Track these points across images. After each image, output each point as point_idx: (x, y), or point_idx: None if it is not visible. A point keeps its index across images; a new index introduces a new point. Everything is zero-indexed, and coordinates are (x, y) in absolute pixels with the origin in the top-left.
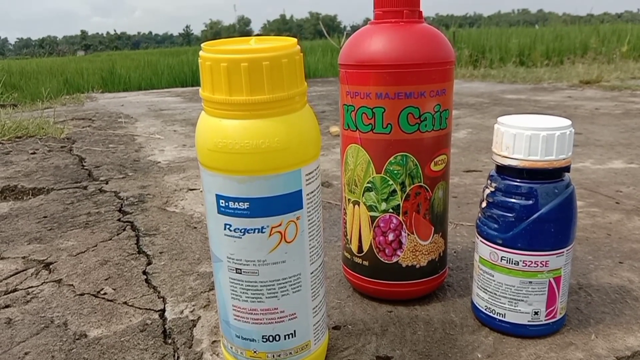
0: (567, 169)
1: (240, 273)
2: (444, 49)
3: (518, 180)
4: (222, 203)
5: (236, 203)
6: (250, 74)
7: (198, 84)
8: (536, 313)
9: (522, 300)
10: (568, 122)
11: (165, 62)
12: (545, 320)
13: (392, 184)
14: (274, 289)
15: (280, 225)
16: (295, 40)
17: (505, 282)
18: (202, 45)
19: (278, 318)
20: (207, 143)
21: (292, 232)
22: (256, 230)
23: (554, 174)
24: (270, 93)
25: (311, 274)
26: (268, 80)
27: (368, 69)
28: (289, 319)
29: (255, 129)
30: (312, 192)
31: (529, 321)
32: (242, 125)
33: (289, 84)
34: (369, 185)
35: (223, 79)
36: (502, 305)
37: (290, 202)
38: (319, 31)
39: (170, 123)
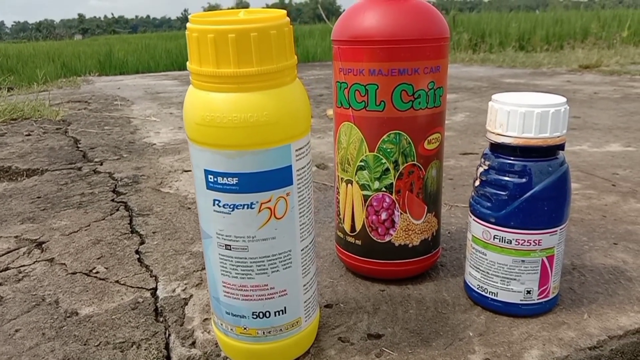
0: (561, 146)
1: (230, 249)
2: (439, 24)
3: (512, 158)
4: (210, 178)
5: (225, 178)
6: (237, 45)
7: None
8: (529, 292)
9: (515, 279)
10: (563, 99)
11: (163, 46)
12: (537, 299)
13: (385, 163)
14: (264, 265)
15: (269, 201)
16: (284, 12)
17: (497, 261)
18: (189, 17)
19: (268, 294)
20: (195, 117)
21: (282, 208)
22: (245, 206)
23: (548, 152)
24: (258, 65)
25: (302, 250)
26: (256, 52)
27: (361, 45)
28: (279, 296)
29: (243, 102)
30: (302, 167)
31: (521, 300)
32: (230, 99)
33: (278, 57)
34: (362, 163)
35: (210, 50)
36: (494, 284)
37: (280, 178)
38: (318, 15)
39: (166, 106)
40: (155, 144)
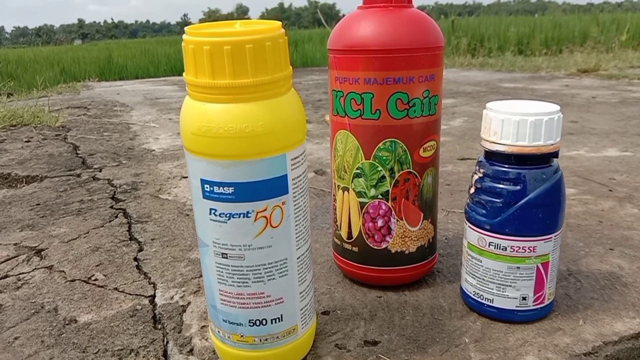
0: (555, 154)
1: (227, 258)
2: (433, 34)
3: (506, 165)
4: (207, 188)
5: (221, 188)
6: (233, 57)
7: None
8: (524, 298)
9: (510, 286)
10: (556, 107)
11: (163, 50)
12: (533, 305)
13: (381, 170)
14: (260, 273)
15: (265, 210)
16: (279, 23)
17: (493, 268)
18: (185, 29)
19: (265, 302)
20: (191, 127)
21: (278, 217)
22: (241, 215)
23: (542, 160)
24: (253, 77)
25: (298, 258)
26: (251, 63)
27: (356, 54)
28: (276, 303)
29: (238, 112)
30: (297, 177)
31: (516, 306)
32: (226, 109)
33: (273, 68)
34: (358, 171)
35: (206, 62)
36: (490, 290)
37: (275, 187)
38: (317, 19)
39: (165, 111)
40: (154, 150)
